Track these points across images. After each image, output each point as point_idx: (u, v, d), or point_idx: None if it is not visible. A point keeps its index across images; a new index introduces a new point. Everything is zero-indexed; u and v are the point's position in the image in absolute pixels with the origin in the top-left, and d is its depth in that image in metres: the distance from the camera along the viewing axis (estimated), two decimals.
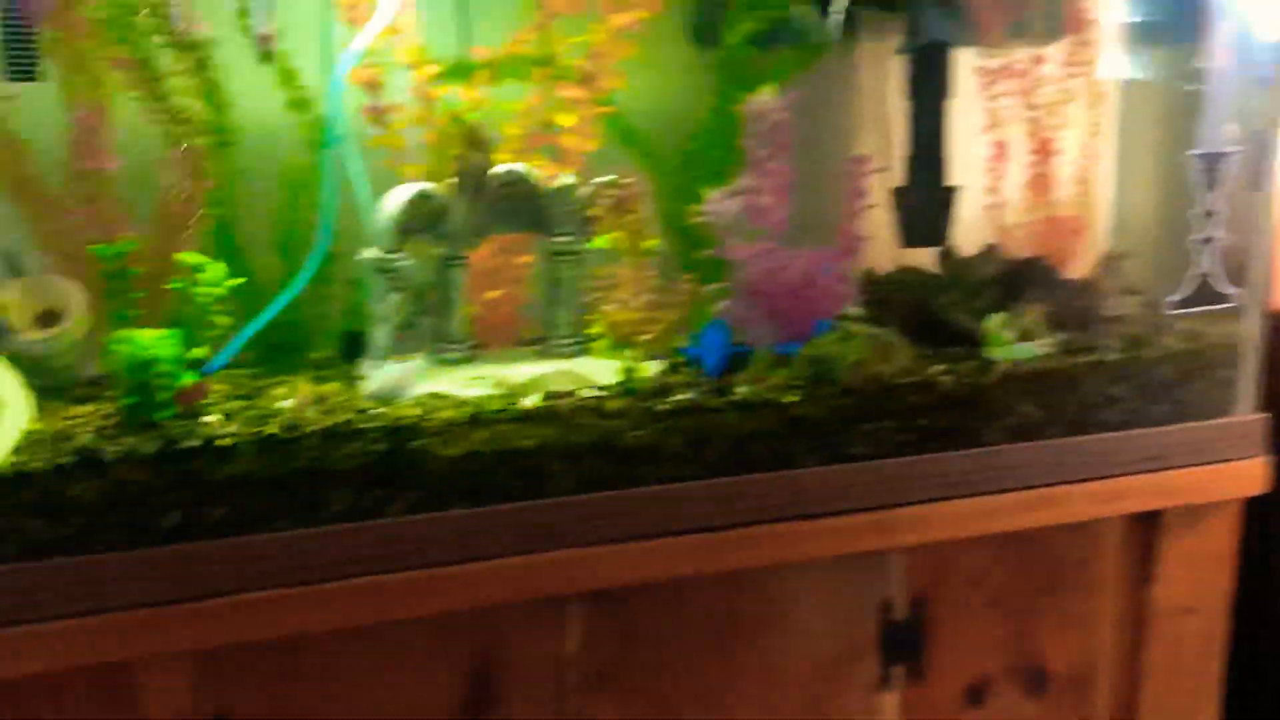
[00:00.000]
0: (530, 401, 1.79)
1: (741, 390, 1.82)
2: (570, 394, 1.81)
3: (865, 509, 1.82)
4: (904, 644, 1.91)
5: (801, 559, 1.82)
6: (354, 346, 2.04)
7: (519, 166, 2.00)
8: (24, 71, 1.84)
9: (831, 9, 1.96)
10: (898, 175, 2.29)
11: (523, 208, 2.02)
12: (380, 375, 1.83)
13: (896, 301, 2.09)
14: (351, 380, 1.94)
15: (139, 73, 1.85)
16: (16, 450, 1.60)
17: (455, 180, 1.93)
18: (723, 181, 1.98)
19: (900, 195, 2.28)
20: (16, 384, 1.64)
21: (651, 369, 1.93)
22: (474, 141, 1.89)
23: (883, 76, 2.35)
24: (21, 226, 1.95)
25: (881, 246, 2.27)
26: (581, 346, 2.07)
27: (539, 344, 2.10)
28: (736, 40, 2.13)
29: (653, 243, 1.94)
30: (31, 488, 1.54)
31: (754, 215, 1.92)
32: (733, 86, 2.13)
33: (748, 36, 2.14)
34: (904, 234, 2.28)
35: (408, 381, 1.80)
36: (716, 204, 1.92)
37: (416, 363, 1.85)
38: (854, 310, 2.09)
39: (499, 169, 1.96)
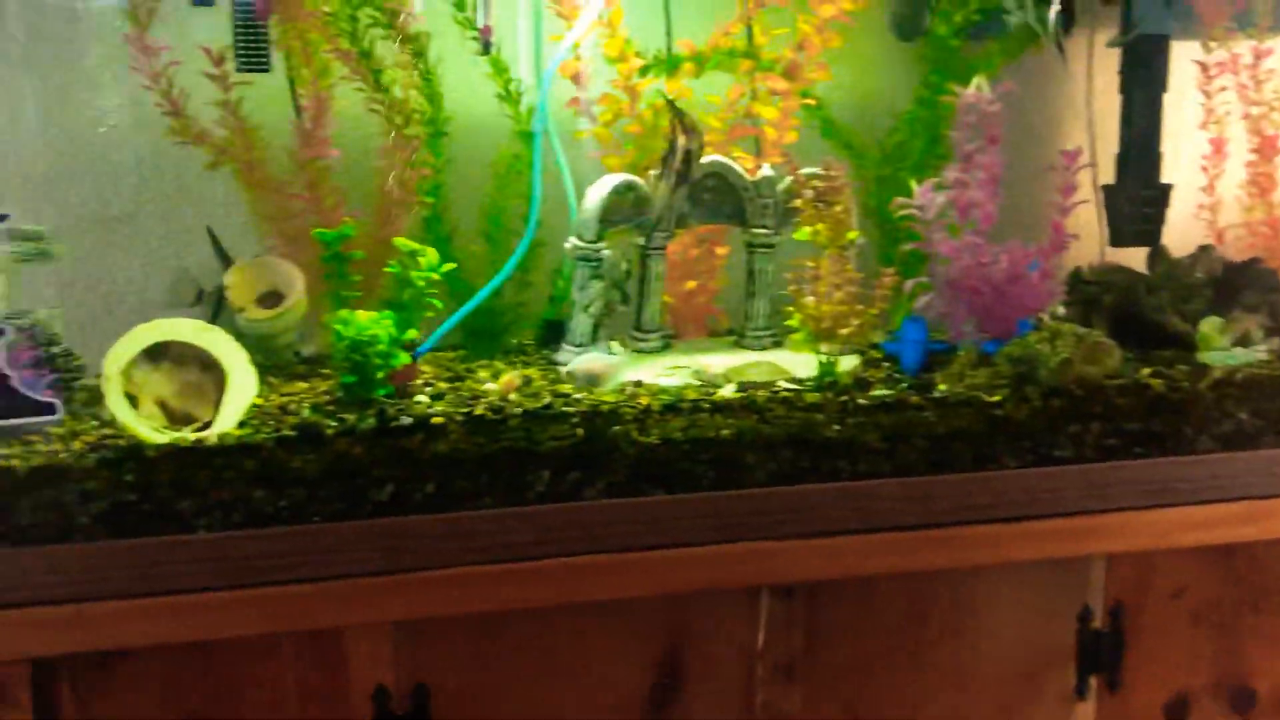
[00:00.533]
0: (727, 391, 1.79)
1: (941, 388, 1.80)
2: (767, 385, 1.81)
3: (1067, 514, 1.77)
4: (1102, 654, 1.84)
5: (998, 562, 1.77)
6: (553, 333, 2.08)
7: (722, 159, 2.01)
8: (257, 63, 1.92)
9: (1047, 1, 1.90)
10: (1109, 172, 2.22)
11: (724, 200, 2.04)
12: (581, 361, 1.85)
13: (1104, 302, 2.02)
14: (550, 365, 1.97)
15: (361, 64, 1.92)
16: (242, 422, 1.67)
17: (659, 170, 1.94)
18: (927, 174, 1.96)
19: (1111, 192, 2.21)
20: (243, 358, 1.71)
21: (849, 363, 1.92)
22: (686, 127, 1.91)
23: (1095, 69, 2.29)
24: (246, 209, 2.06)
25: (1090, 244, 2.21)
26: (777, 339, 2.07)
27: (734, 335, 2.11)
28: (946, 31, 2.10)
29: (853, 235, 1.92)
30: (255, 458, 1.61)
31: (961, 209, 1.89)
32: (940, 77, 2.10)
33: (957, 27, 2.11)
34: (1114, 233, 2.20)
35: (610, 372, 1.82)
36: (923, 196, 1.89)
37: (618, 358, 1.87)
38: (1059, 309, 2.05)
39: (703, 160, 1.97)
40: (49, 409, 1.66)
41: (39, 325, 1.78)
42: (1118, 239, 2.18)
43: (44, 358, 1.75)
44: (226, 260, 1.93)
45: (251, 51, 1.91)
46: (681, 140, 1.91)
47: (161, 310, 1.85)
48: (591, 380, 1.83)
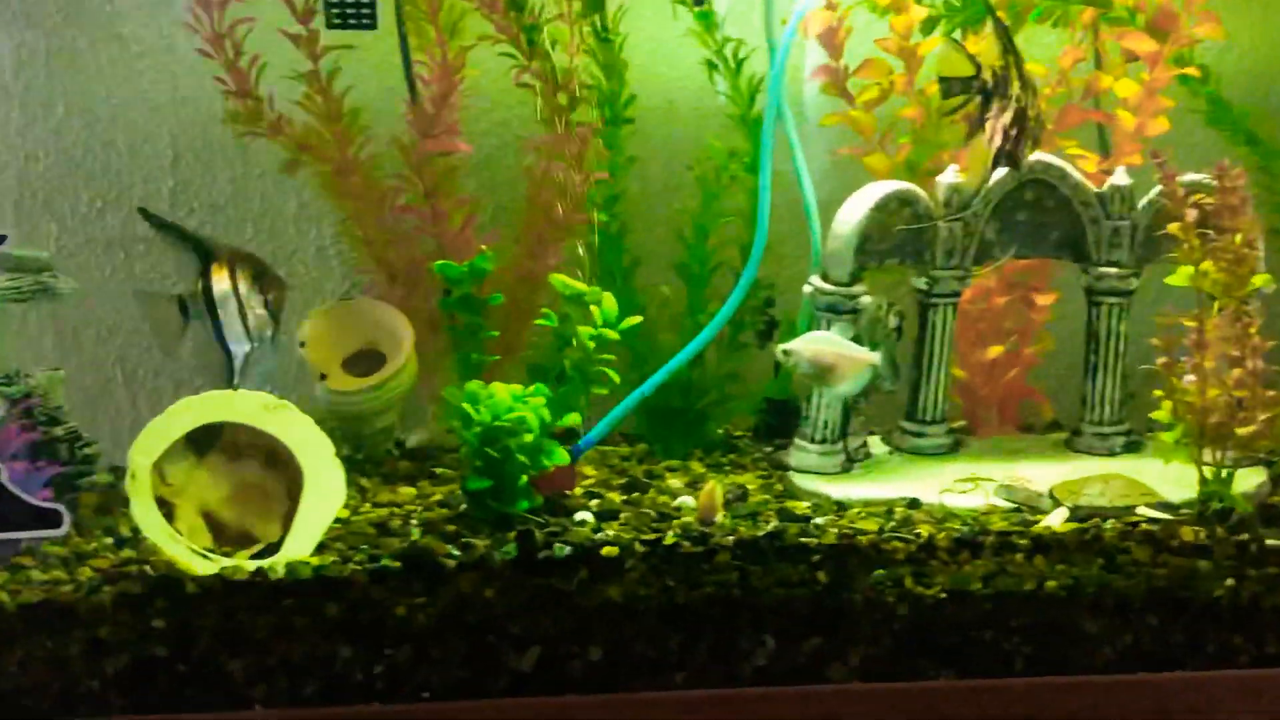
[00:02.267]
0: (1054, 520, 1.77)
1: None
2: (1118, 513, 1.79)
3: None
4: None
5: None
6: (781, 420, 2.07)
7: (1050, 158, 1.98)
8: (359, 16, 1.95)
9: None
10: None
11: (1051, 221, 2.01)
12: (805, 344, 1.88)
13: None
14: (777, 469, 1.97)
15: (508, 19, 1.94)
16: (322, 545, 1.69)
17: (966, 164, 1.91)
18: None
19: None
20: (326, 450, 1.73)
21: (1251, 482, 1.88)
22: (1020, 73, 1.84)
23: None
24: (332, 230, 2.11)
25: None
26: (1134, 439, 2.05)
27: (1063, 432, 2.09)
28: None
29: (1262, 280, 1.86)
30: (340, 599, 1.62)
31: None
32: None
33: None
34: None
35: (848, 366, 1.86)
36: None
37: (864, 350, 1.89)
38: None
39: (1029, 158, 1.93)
40: (50, 519, 1.67)
41: (35, 394, 1.83)
42: None
43: (42, 442, 1.79)
44: (199, 247, 1.91)
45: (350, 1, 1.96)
46: (1014, 93, 1.86)
47: (194, 370, 1.88)
48: (819, 374, 1.86)
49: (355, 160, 2.01)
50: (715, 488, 1.82)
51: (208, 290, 1.83)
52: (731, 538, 1.71)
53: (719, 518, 1.78)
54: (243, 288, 1.83)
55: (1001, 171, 1.94)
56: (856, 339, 1.93)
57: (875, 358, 1.92)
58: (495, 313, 1.95)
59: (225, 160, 2.14)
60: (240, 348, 1.84)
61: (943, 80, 1.90)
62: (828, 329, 1.93)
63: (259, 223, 2.16)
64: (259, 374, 1.87)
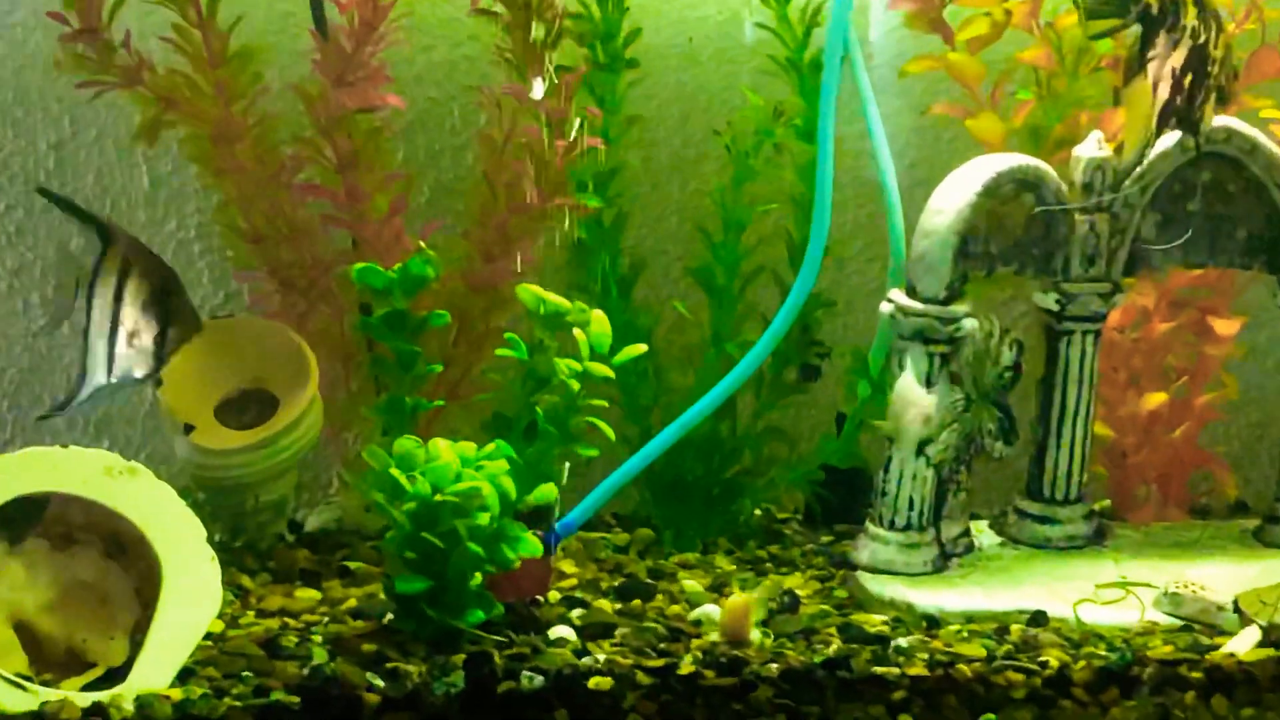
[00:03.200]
0: (1242, 645, 1.77)
1: None
2: None
3: None
4: None
5: None
6: (844, 497, 2.10)
7: (1234, 123, 2.00)
8: None
9: None
10: None
11: (1235, 214, 2.04)
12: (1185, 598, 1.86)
13: None
14: (840, 568, 1.99)
15: None
16: (186, 671, 1.68)
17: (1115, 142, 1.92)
18: None
19: None
20: (198, 537, 1.73)
21: None
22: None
23: None
24: (203, 217, 2.12)
25: None
26: None
27: (1255, 516, 2.13)
28: None
29: None
30: None
31: None
32: None
33: None
34: None
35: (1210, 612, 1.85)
36: None
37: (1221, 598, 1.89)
38: None
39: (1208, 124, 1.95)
40: None
41: None
42: None
43: None
44: (101, 231, 1.91)
45: None
46: (1190, 25, 1.87)
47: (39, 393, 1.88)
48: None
49: (241, 121, 2.02)
50: (744, 598, 1.82)
51: (90, 286, 1.84)
52: (775, 665, 1.71)
53: (754, 636, 1.79)
54: (130, 306, 1.82)
55: (1169, 140, 1.94)
56: (955, 382, 1.95)
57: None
58: (437, 338, 1.96)
59: (50, 120, 2.15)
60: (95, 377, 1.83)
61: None
62: (911, 365, 1.95)
63: (95, 205, 2.16)
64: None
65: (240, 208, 2.05)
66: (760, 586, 1.87)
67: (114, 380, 1.83)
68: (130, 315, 1.82)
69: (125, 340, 1.82)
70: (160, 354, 1.84)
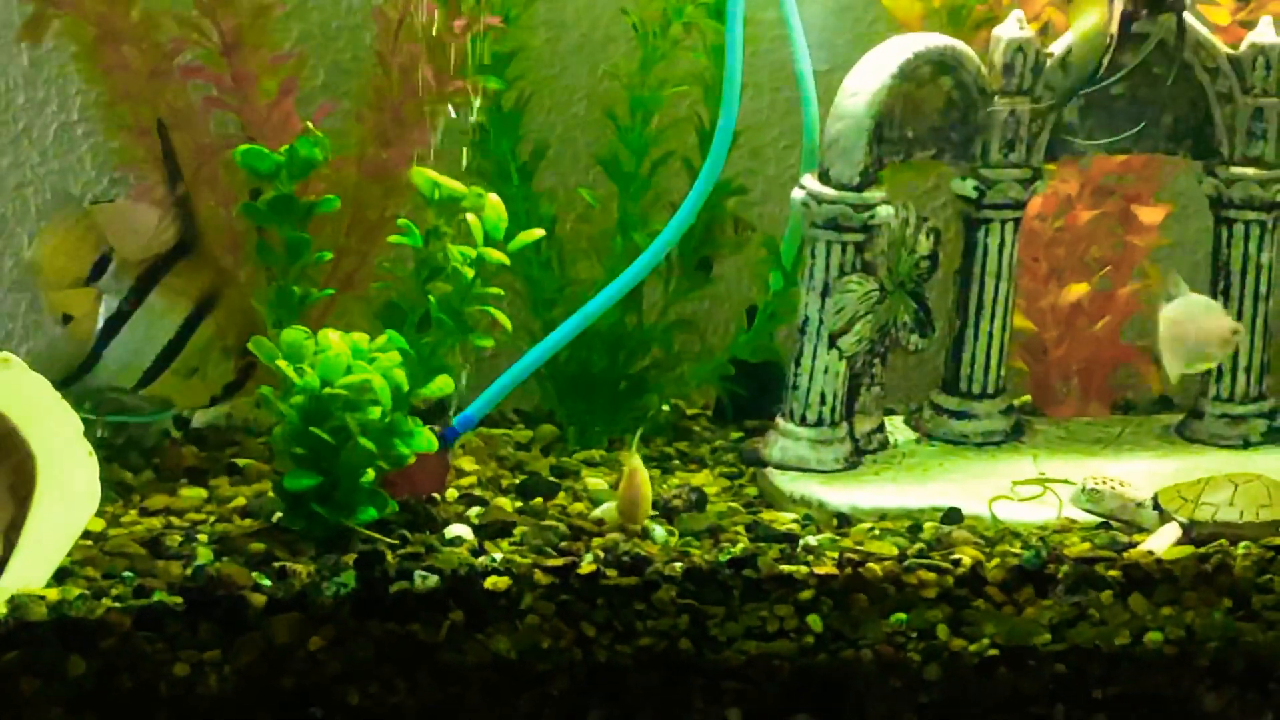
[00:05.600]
0: (1160, 541, 1.77)
1: None
2: (1255, 531, 1.78)
3: None
4: None
5: None
6: (755, 393, 2.10)
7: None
8: None
9: None
10: None
11: (1160, 100, 2.04)
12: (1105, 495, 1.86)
13: None
14: (749, 464, 1.99)
15: None
16: (63, 572, 1.67)
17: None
18: None
19: None
20: (75, 433, 1.71)
21: None
22: None
23: None
24: (79, 100, 2.09)
25: None
26: (1279, 425, 2.09)
27: (1177, 412, 2.14)
28: None
29: None
30: (91, 653, 1.59)
31: None
32: None
33: None
34: None
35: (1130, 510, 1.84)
36: None
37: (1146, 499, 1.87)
38: None
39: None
40: None
41: None
42: None
43: None
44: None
45: None
46: None
47: None
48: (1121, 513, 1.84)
49: (125, 19, 2.01)
50: (639, 470, 1.81)
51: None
52: (679, 564, 1.70)
53: (659, 531, 1.79)
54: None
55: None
56: (869, 269, 1.94)
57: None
58: (327, 224, 1.94)
59: None
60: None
61: None
62: (825, 254, 1.93)
63: None
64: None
65: (125, 103, 2.03)
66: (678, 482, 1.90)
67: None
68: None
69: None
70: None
